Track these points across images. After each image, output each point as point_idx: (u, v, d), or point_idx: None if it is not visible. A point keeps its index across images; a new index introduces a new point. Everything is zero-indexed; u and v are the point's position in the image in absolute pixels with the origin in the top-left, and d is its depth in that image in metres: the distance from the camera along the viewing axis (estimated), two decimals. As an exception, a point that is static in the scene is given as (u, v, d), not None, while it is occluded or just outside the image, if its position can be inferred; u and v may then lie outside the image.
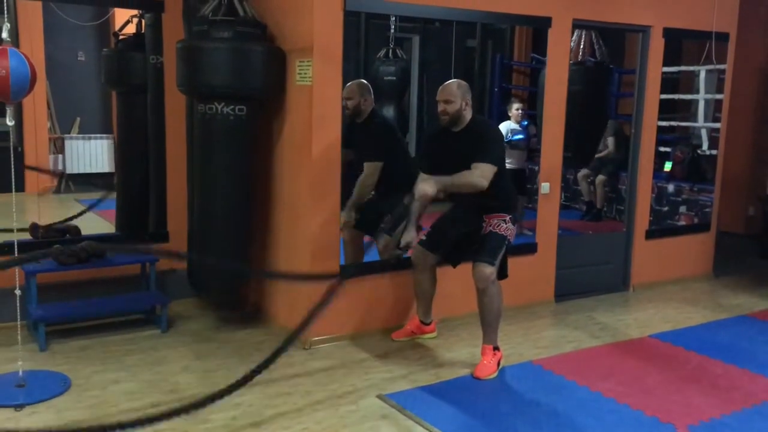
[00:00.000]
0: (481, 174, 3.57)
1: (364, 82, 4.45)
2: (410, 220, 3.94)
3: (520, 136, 6.01)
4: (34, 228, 4.59)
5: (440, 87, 3.78)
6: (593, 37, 6.20)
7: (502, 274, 3.90)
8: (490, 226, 3.81)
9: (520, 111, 6.19)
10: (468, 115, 3.76)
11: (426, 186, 3.59)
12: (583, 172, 6.95)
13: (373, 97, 4.44)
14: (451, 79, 3.83)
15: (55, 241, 4.34)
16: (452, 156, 3.71)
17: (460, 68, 7.23)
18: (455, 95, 3.69)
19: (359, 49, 6.64)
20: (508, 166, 6.02)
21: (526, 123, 6.15)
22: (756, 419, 3.43)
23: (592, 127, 6.55)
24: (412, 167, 4.17)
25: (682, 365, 4.08)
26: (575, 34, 5.89)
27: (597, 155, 6.84)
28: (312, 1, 3.89)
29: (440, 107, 3.73)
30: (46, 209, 5.53)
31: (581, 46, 6.22)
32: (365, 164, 4.36)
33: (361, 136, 4.35)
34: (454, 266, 4.14)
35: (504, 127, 6.21)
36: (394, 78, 6.80)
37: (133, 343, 4.10)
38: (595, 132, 6.66)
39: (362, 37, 6.67)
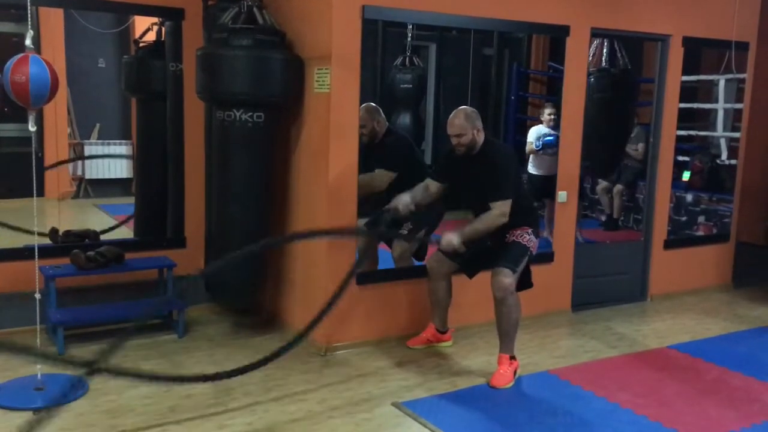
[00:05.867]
0: (500, 213, 3.71)
1: (372, 104, 4.46)
2: (464, 230, 3.83)
3: (550, 138, 5.82)
4: (53, 232, 4.63)
5: (448, 121, 3.81)
6: (614, 45, 6.15)
7: (526, 284, 3.89)
8: (513, 236, 3.83)
9: (552, 116, 5.97)
10: (480, 139, 3.80)
11: (452, 237, 3.70)
12: (603, 185, 6.90)
13: (383, 116, 4.46)
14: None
15: (74, 245, 4.38)
16: (467, 179, 3.82)
17: (477, 76, 7.22)
18: (465, 128, 3.74)
19: (376, 57, 6.66)
20: (538, 173, 6.02)
21: (555, 136, 5.97)
22: (777, 433, 3.39)
23: (612, 136, 6.47)
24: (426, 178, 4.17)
25: (700, 377, 4.04)
26: (595, 41, 5.87)
27: (625, 161, 6.76)
28: (331, 9, 3.92)
29: (453, 141, 3.80)
30: (65, 214, 5.58)
31: (599, 53, 6.17)
32: (378, 169, 4.34)
33: (378, 154, 4.36)
34: (470, 277, 4.13)
35: (534, 131, 6.14)
36: (411, 86, 6.81)
37: (150, 348, 4.13)
38: (616, 140, 6.56)
39: (379, 44, 6.70)
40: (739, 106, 5.98)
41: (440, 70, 7.32)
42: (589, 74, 5.14)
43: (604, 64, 6.06)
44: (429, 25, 5.64)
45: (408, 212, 3.91)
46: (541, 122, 6.24)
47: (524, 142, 7.19)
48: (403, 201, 3.88)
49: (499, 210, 3.70)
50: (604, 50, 6.07)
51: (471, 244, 3.80)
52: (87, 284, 4.35)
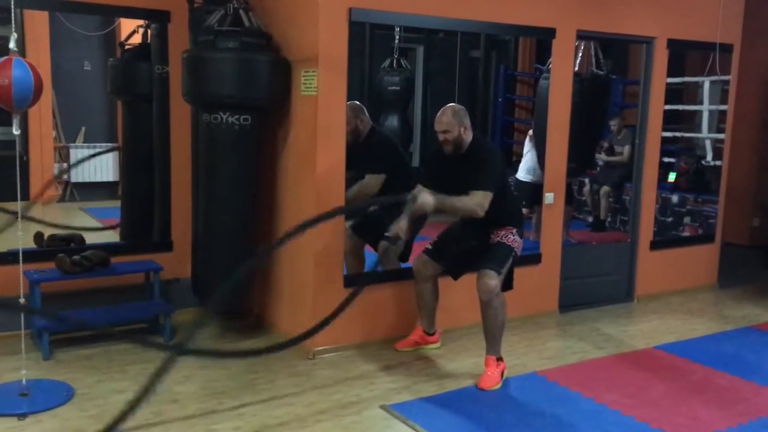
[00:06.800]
0: (477, 202, 3.65)
1: (357, 103, 4.45)
2: (406, 212, 3.77)
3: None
4: (38, 237, 4.59)
5: (436, 117, 3.81)
6: (591, 49, 6.20)
7: (507, 285, 3.90)
8: (498, 237, 3.83)
9: None
10: (468, 137, 3.80)
11: (427, 197, 3.65)
12: (588, 186, 6.94)
13: (368, 115, 4.45)
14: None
15: (59, 249, 4.35)
16: (454, 178, 3.80)
17: (464, 79, 7.24)
18: (452, 124, 3.74)
19: (364, 60, 6.66)
20: (527, 179, 6.04)
21: None
22: (762, 432, 3.42)
23: (594, 138, 6.51)
24: (413, 179, 4.16)
25: (687, 377, 4.06)
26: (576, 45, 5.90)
27: (607, 158, 6.78)
28: (317, 11, 3.91)
29: (440, 137, 3.80)
30: (51, 218, 5.53)
31: (581, 57, 6.22)
32: (368, 175, 4.35)
33: (362, 154, 4.35)
34: (456, 279, 4.13)
35: (526, 144, 6.13)
36: (399, 88, 6.82)
37: (136, 352, 4.09)
38: (586, 144, 6.57)
39: (367, 47, 6.70)
40: (723, 107, 6.03)
41: (428, 72, 7.33)
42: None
43: (576, 68, 6.10)
44: (416, 28, 5.65)
45: (425, 212, 3.78)
46: (513, 129, 6.21)
47: (511, 144, 7.22)
48: (427, 199, 3.67)
49: (478, 199, 3.63)
50: (579, 54, 6.11)
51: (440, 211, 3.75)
52: (72, 289, 4.31)
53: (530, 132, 6.28)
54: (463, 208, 3.69)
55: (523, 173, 6.26)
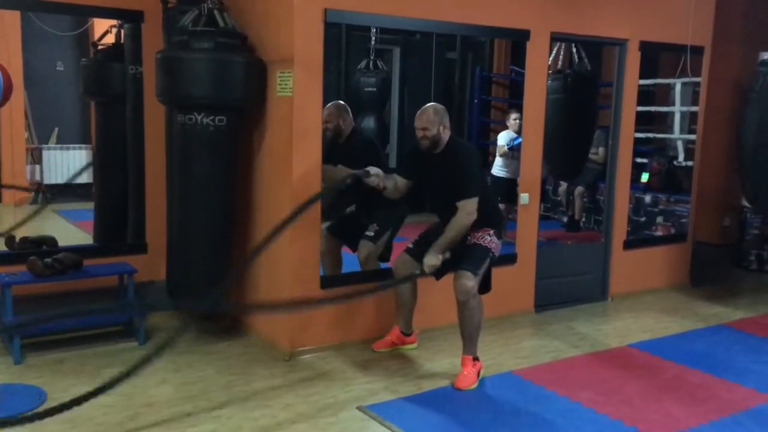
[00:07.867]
0: (468, 212, 3.75)
1: (341, 102, 4.45)
2: (438, 243, 3.81)
3: (520, 140, 5.89)
4: (9, 239, 4.53)
5: (417, 113, 3.84)
6: (572, 48, 6.25)
7: (485, 287, 3.92)
8: (475, 238, 3.85)
9: (518, 121, 5.93)
10: (446, 137, 3.83)
11: (433, 259, 3.75)
12: (563, 186, 7.00)
13: (351, 116, 4.45)
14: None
15: (31, 252, 4.28)
16: (433, 177, 3.86)
17: (440, 80, 7.28)
18: (432, 122, 3.77)
19: (340, 61, 6.67)
20: (503, 175, 6.09)
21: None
22: (734, 428, 3.46)
23: (576, 138, 6.51)
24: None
25: (660, 375, 4.11)
26: (557, 45, 5.96)
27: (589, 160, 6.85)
28: (293, 12, 3.90)
29: (419, 134, 3.83)
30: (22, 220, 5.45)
31: (561, 56, 6.26)
32: (339, 165, 4.31)
33: (342, 154, 4.34)
34: (437, 278, 4.14)
35: (504, 135, 6.23)
36: (375, 89, 6.84)
37: (110, 356, 4.05)
38: (581, 143, 6.60)
39: (343, 48, 6.71)
40: (694, 108, 6.12)
41: (404, 73, 7.36)
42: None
43: (560, 66, 6.15)
44: (392, 29, 5.67)
45: (376, 184, 3.90)
46: (506, 127, 6.32)
47: (487, 145, 7.27)
48: (376, 170, 3.90)
49: (466, 209, 3.73)
50: (561, 54, 6.17)
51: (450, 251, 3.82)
52: (45, 292, 4.25)
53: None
54: (461, 229, 3.76)
55: (497, 168, 6.31)
